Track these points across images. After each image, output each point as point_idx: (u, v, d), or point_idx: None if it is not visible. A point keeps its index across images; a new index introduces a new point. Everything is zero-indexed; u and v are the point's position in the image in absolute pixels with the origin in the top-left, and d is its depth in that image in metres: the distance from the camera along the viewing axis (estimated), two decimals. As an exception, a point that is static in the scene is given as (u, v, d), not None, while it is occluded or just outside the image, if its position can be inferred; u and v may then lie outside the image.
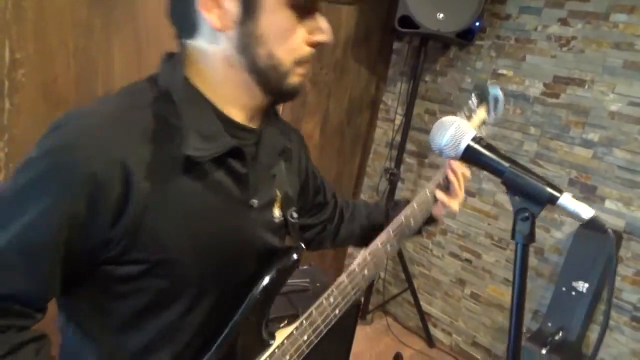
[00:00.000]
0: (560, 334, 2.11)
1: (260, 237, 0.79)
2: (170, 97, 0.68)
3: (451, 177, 1.03)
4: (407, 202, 1.04)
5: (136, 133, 0.64)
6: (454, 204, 1.03)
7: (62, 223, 0.59)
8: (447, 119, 0.67)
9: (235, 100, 0.73)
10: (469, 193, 2.66)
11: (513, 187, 0.63)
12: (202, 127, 0.67)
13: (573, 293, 2.13)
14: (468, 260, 2.69)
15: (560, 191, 0.61)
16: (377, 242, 0.92)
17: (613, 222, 2.15)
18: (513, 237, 0.63)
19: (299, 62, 0.70)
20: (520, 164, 0.63)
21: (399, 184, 2.83)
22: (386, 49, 2.95)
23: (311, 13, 0.68)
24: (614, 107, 2.14)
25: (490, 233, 2.59)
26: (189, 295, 0.72)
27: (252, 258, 0.77)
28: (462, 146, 0.64)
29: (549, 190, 0.61)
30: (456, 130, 0.65)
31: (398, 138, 2.78)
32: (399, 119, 2.90)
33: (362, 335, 2.74)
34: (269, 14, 0.65)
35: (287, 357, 0.78)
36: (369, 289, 2.93)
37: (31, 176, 0.60)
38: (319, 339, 0.81)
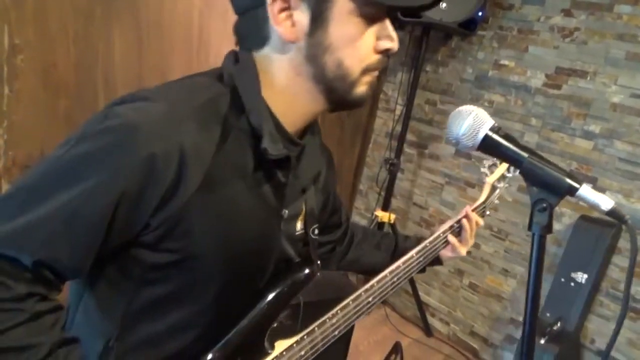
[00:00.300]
0: (559, 324, 2.12)
1: (281, 247, 0.80)
2: (236, 96, 0.68)
3: (465, 224, 1.08)
4: (418, 239, 1.09)
5: (198, 123, 0.64)
6: (463, 250, 1.10)
7: (113, 200, 0.59)
8: (465, 108, 0.66)
9: (294, 109, 0.73)
10: (468, 184, 2.66)
11: (531, 178, 0.62)
12: (269, 129, 0.68)
13: (572, 284, 2.15)
14: (467, 251, 2.69)
15: (580, 182, 0.60)
16: (386, 272, 0.94)
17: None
18: (530, 228, 0.63)
19: (366, 71, 0.69)
20: (538, 154, 0.62)
21: (399, 174, 2.83)
22: (387, 39, 2.93)
23: (380, 19, 0.67)
24: (615, 99, 2.14)
25: (490, 224, 2.59)
26: (207, 293, 0.72)
27: (269, 266, 0.78)
28: (480, 136, 0.64)
29: (569, 181, 0.60)
30: (474, 120, 0.64)
31: (398, 128, 2.77)
32: (399, 109, 2.89)
33: (361, 325, 2.75)
34: (338, 24, 0.65)
35: None
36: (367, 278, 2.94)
37: (90, 149, 0.59)
38: (314, 356, 0.82)
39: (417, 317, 2.87)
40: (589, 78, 2.21)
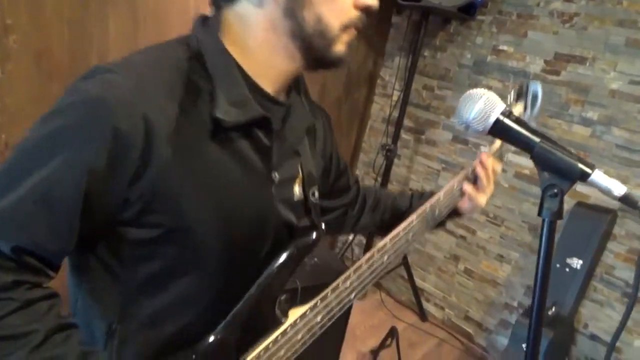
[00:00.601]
0: (553, 309, 2.14)
1: (279, 213, 0.77)
2: (201, 59, 0.66)
3: (480, 171, 0.99)
4: (432, 193, 1.01)
5: (163, 90, 0.62)
6: (482, 199, 1.00)
7: (81, 175, 0.58)
8: (476, 91, 0.64)
9: (270, 68, 0.70)
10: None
11: (542, 163, 0.61)
12: (232, 93, 0.65)
13: (567, 269, 2.16)
14: (462, 237, 2.71)
15: (592, 167, 0.59)
16: (399, 229, 0.89)
17: (609, 200, 2.17)
18: (540, 213, 0.62)
19: (346, 27, 0.67)
20: (550, 139, 0.61)
21: (395, 160, 2.82)
22: (385, 23, 2.90)
23: None
24: (614, 86, 2.13)
25: (486, 210, 2.60)
26: (203, 266, 0.70)
27: (268, 233, 0.76)
28: (491, 120, 0.62)
29: (581, 166, 0.59)
30: (485, 104, 0.63)
31: (395, 114, 2.75)
32: (396, 95, 2.87)
33: (356, 310, 2.76)
34: None
35: (299, 336, 0.77)
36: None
37: (54, 127, 0.58)
38: (331, 321, 0.80)
39: (412, 302, 2.89)
40: (588, 64, 2.20)
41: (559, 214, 0.61)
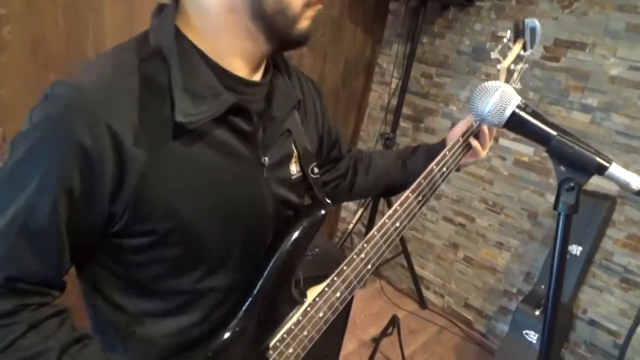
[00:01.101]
0: (553, 296, 2.16)
1: (277, 195, 0.75)
2: (161, 54, 0.62)
3: (484, 128, 0.99)
4: (429, 148, 1.01)
5: (124, 97, 0.59)
6: (483, 153, 1.01)
7: (58, 199, 0.56)
8: (491, 84, 0.63)
9: (235, 51, 0.66)
10: (464, 158, 2.65)
11: (559, 156, 0.60)
12: (195, 86, 0.62)
13: (567, 256, 2.17)
14: (462, 225, 2.71)
15: (610, 160, 0.59)
16: (407, 192, 0.87)
17: (608, 187, 2.17)
18: (555, 207, 0.61)
19: (308, 4, 0.64)
20: (567, 132, 0.60)
21: (394, 149, 2.81)
22: (382, 10, 2.86)
23: None
24: (614, 72, 2.12)
25: (485, 197, 2.60)
26: (209, 260, 0.69)
27: (268, 217, 0.74)
28: (507, 113, 0.61)
29: (598, 159, 0.58)
30: (501, 97, 0.61)
31: (393, 102, 2.73)
32: (394, 83, 2.85)
33: (356, 298, 2.76)
34: None
35: (321, 314, 0.76)
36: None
37: (21, 154, 0.57)
38: (352, 295, 0.79)
39: (412, 290, 2.90)
40: (587, 50, 2.19)
41: (575, 207, 0.60)
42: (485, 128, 0.98)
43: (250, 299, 0.72)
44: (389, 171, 1.08)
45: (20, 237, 0.56)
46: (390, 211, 0.85)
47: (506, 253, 2.56)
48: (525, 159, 2.40)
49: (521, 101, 0.62)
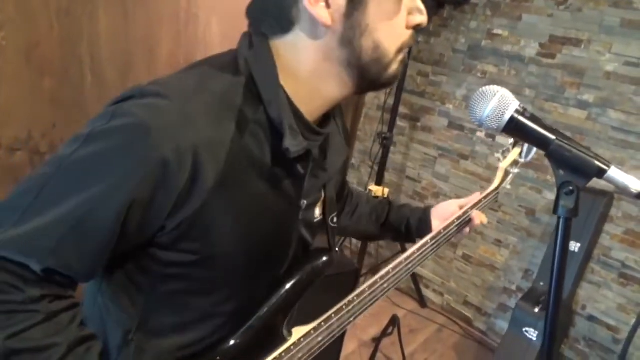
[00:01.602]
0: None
1: (301, 236, 0.78)
2: (252, 85, 0.63)
3: (474, 218, 1.05)
4: (411, 210, 1.08)
5: (213, 120, 0.59)
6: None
7: (123, 206, 0.56)
8: (489, 88, 0.63)
9: (317, 97, 0.68)
10: (462, 156, 2.66)
11: (558, 161, 0.60)
12: (288, 124, 0.63)
13: (565, 253, 2.18)
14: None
15: (608, 164, 0.59)
16: (402, 258, 0.91)
17: (605, 183, 2.17)
18: (555, 211, 0.61)
19: (401, 49, 0.65)
20: (566, 136, 0.60)
21: (391, 148, 2.80)
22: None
23: None
24: (609, 68, 2.12)
25: (483, 195, 2.60)
26: (228, 286, 0.71)
27: (289, 254, 0.77)
28: (506, 117, 0.61)
29: (597, 163, 0.58)
30: (499, 101, 0.61)
31: (390, 101, 2.73)
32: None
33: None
34: (377, 2, 0.60)
35: (300, 355, 0.77)
36: (362, 252, 2.96)
37: (97, 151, 0.55)
38: (330, 342, 0.81)
39: (412, 289, 2.90)
40: (583, 46, 2.19)
41: (575, 211, 0.60)
42: (475, 218, 1.04)
43: (246, 326, 0.74)
44: (369, 221, 1.12)
45: (74, 232, 0.55)
46: (383, 272, 0.87)
47: (505, 250, 2.56)
48: (523, 156, 2.41)
49: (520, 105, 0.62)
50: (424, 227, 1.06)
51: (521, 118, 0.61)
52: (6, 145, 1.53)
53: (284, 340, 0.77)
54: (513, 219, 2.51)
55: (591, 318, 2.30)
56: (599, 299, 2.26)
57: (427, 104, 2.78)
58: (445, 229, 0.99)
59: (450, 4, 2.56)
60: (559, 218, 0.62)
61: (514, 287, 2.55)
